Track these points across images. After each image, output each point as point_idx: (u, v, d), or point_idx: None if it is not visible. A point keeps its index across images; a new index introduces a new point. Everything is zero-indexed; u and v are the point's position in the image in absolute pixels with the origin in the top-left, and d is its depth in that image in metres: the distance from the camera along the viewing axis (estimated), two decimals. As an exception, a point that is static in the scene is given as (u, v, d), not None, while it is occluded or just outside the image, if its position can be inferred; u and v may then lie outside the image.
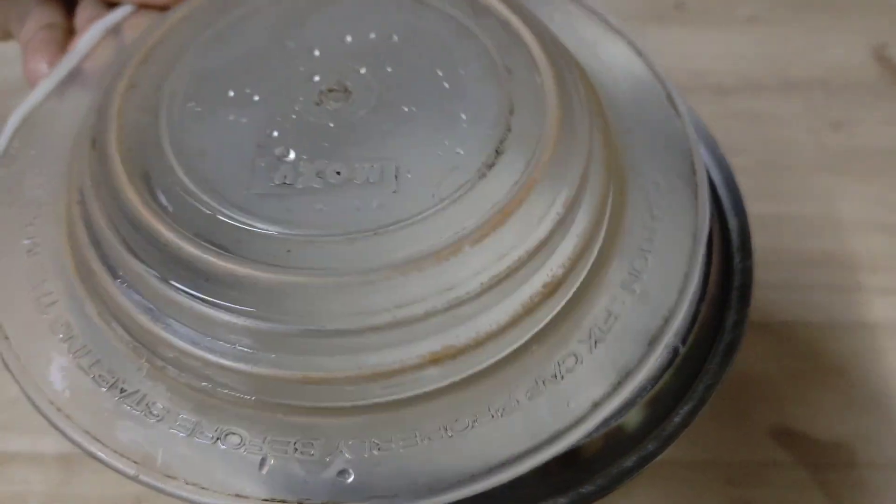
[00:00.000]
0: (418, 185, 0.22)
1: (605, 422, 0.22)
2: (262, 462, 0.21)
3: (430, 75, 0.24)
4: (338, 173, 0.22)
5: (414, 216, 0.21)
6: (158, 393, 0.22)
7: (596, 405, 0.22)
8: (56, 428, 0.22)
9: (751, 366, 0.36)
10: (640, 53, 0.28)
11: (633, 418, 0.25)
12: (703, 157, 0.28)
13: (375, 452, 0.21)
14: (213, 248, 0.20)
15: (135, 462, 0.21)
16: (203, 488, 0.21)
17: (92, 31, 0.28)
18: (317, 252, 0.21)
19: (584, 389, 0.22)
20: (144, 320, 0.21)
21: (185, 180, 0.22)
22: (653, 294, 0.23)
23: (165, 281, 0.21)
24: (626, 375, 0.22)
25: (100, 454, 0.21)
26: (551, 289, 0.22)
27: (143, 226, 0.21)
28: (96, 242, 0.22)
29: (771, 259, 0.40)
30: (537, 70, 0.24)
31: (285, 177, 0.22)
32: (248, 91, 0.24)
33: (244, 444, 0.21)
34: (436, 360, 0.21)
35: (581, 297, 0.23)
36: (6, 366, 0.23)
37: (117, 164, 0.22)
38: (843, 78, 0.47)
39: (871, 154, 0.44)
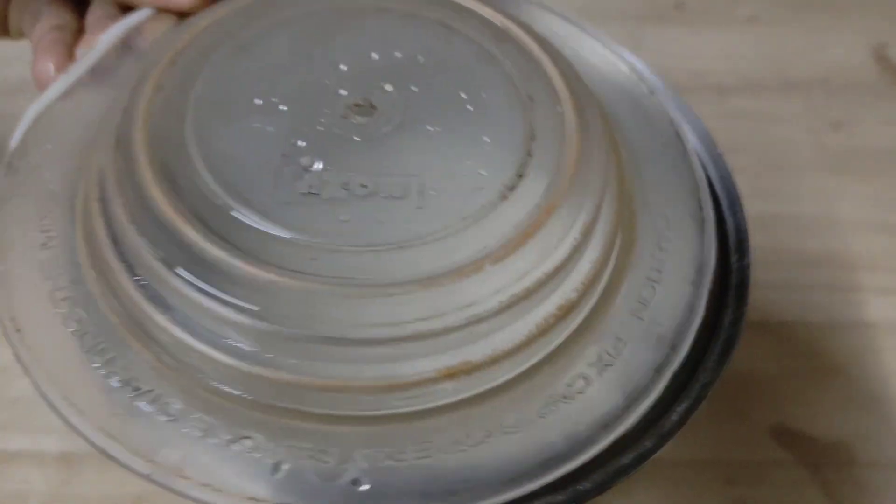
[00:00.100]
0: (442, 203, 0.22)
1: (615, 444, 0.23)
2: (277, 467, 0.21)
3: (453, 97, 0.24)
4: (363, 186, 0.22)
5: (437, 233, 0.21)
6: (173, 393, 0.22)
7: (605, 427, 0.22)
8: (68, 424, 0.22)
9: (750, 365, 0.36)
10: (651, 92, 0.29)
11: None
12: (700, 158, 0.28)
13: (389, 462, 0.21)
14: (239, 252, 0.21)
15: (149, 461, 0.21)
16: (216, 490, 0.21)
17: (110, 32, 0.28)
18: (342, 262, 0.21)
19: (594, 411, 0.22)
20: (161, 320, 0.21)
21: (211, 184, 0.22)
22: (660, 322, 0.24)
23: (188, 282, 0.21)
24: (635, 400, 0.23)
25: (113, 452, 0.21)
26: (565, 311, 0.22)
27: (167, 226, 0.21)
28: (115, 240, 0.22)
29: (770, 259, 0.40)
30: (558, 100, 0.24)
31: (311, 186, 0.22)
32: (274, 100, 0.24)
33: (258, 448, 0.21)
34: (451, 374, 0.21)
35: (592, 322, 0.23)
36: (18, 358, 0.23)
37: (143, 165, 0.22)
38: (843, 78, 0.48)
39: (871, 154, 0.44)
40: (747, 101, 0.47)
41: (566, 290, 0.23)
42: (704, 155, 0.29)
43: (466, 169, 0.23)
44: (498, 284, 0.21)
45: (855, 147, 0.45)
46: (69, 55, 0.29)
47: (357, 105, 0.24)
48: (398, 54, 0.25)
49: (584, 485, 0.22)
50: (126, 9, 0.29)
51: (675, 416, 0.24)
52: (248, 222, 0.21)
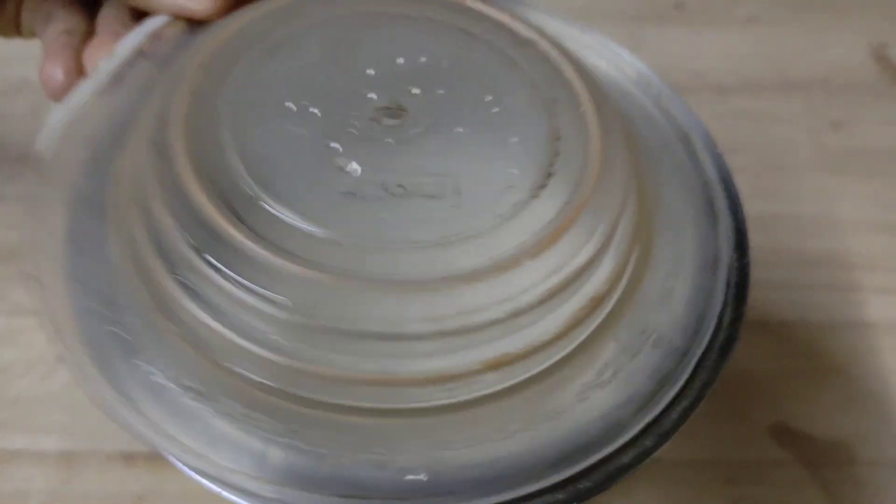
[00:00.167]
0: (476, 202, 0.23)
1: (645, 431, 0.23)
2: (329, 461, 0.22)
3: (479, 100, 0.25)
4: (400, 186, 0.23)
5: (474, 230, 0.22)
6: (219, 391, 0.22)
7: (639, 410, 0.23)
8: (132, 431, 0.22)
9: (750, 365, 0.36)
10: (660, 92, 0.30)
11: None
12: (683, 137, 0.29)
13: (437, 452, 0.22)
14: (286, 254, 0.21)
15: (204, 459, 0.21)
16: (279, 486, 0.21)
17: (129, 38, 0.28)
18: (386, 260, 0.21)
19: (626, 396, 0.23)
20: (210, 321, 0.22)
21: (253, 187, 0.22)
22: (682, 310, 0.25)
23: (234, 282, 0.21)
24: (663, 385, 0.23)
25: (167, 450, 0.22)
26: (596, 302, 0.23)
27: (213, 230, 0.22)
28: (156, 242, 0.23)
29: (770, 258, 0.40)
30: (579, 102, 0.25)
31: (349, 187, 0.23)
32: (305, 104, 0.24)
33: (310, 444, 0.22)
34: (494, 365, 0.22)
35: (620, 311, 0.24)
36: (63, 360, 0.23)
37: (184, 169, 0.22)
38: (842, 78, 0.48)
39: (871, 154, 0.44)
40: (747, 101, 0.47)
41: (597, 281, 0.24)
42: (705, 153, 0.29)
43: (497, 168, 0.24)
44: (535, 279, 0.22)
45: (855, 147, 0.45)
46: (78, 60, 0.29)
47: (387, 108, 0.25)
48: (423, 59, 0.26)
49: (584, 483, 0.23)
50: (136, 12, 0.30)
51: (674, 415, 0.24)
52: (293, 223, 0.22)
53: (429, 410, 0.22)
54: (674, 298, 0.25)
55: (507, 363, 0.22)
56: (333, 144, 0.24)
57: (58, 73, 0.28)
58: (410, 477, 0.21)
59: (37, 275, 0.24)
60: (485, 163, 0.24)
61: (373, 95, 0.25)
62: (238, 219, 0.22)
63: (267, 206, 0.22)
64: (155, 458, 0.34)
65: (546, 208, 0.23)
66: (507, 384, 0.23)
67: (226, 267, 0.21)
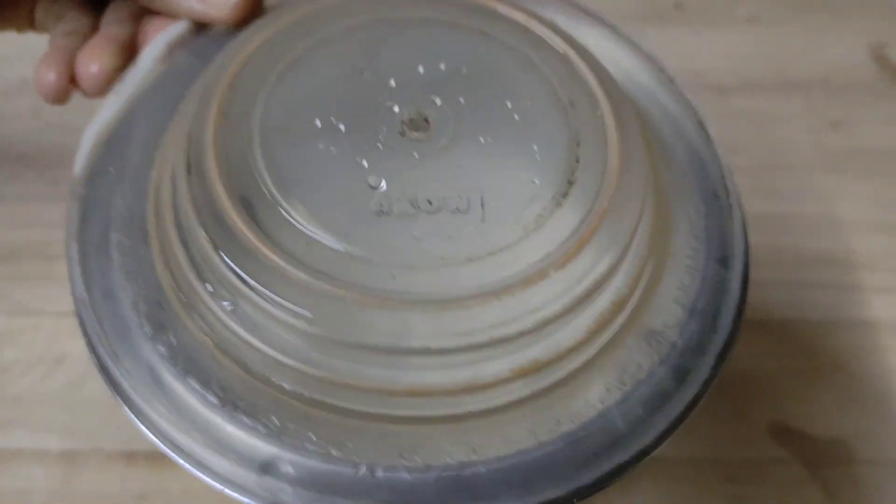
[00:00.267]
0: (502, 214, 0.23)
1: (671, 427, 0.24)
2: (372, 469, 0.22)
3: (500, 107, 0.26)
4: (429, 202, 0.23)
5: (501, 244, 0.23)
6: (267, 406, 0.23)
7: (661, 407, 0.23)
8: (170, 446, 0.23)
9: (750, 364, 0.37)
10: (671, 80, 0.30)
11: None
12: (694, 140, 0.29)
13: (473, 457, 0.22)
14: (323, 275, 0.22)
15: (254, 474, 0.22)
16: (319, 493, 0.22)
17: (152, 47, 0.28)
18: (419, 278, 0.22)
19: (650, 394, 0.24)
20: (250, 338, 0.23)
21: (286, 206, 0.23)
22: (699, 306, 0.25)
23: (274, 302, 0.22)
24: (684, 380, 0.24)
25: (218, 468, 0.22)
26: (618, 306, 0.24)
27: (249, 249, 0.22)
28: (195, 263, 0.23)
29: (770, 258, 0.40)
30: (597, 103, 0.25)
31: (381, 205, 0.23)
32: (333, 120, 0.25)
33: (354, 454, 0.22)
34: (524, 373, 0.23)
35: (640, 312, 0.25)
36: (113, 384, 0.23)
37: (220, 194, 0.23)
38: (842, 78, 0.48)
39: (870, 153, 0.45)
40: (747, 101, 0.47)
41: (618, 285, 0.24)
42: (704, 152, 0.30)
43: (521, 179, 0.24)
44: (562, 288, 0.23)
45: (854, 147, 0.45)
46: (70, 63, 0.29)
47: (412, 120, 0.25)
48: (442, 66, 0.26)
49: (584, 482, 0.23)
50: (139, 15, 0.30)
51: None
52: (324, 242, 0.22)
53: (461, 417, 0.23)
54: (690, 299, 0.25)
55: (535, 370, 0.23)
56: (360, 160, 0.24)
57: (49, 76, 0.29)
58: (443, 481, 0.22)
59: (83, 294, 0.24)
60: (508, 173, 0.24)
61: (396, 107, 0.25)
62: (277, 245, 0.22)
63: (298, 225, 0.23)
64: (156, 458, 0.34)
65: (569, 218, 0.23)
66: (534, 389, 0.23)
67: (267, 289, 0.22)
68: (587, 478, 0.23)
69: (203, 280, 0.23)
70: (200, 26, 0.29)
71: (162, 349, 0.23)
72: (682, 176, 0.28)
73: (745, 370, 0.37)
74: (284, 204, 0.23)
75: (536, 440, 0.23)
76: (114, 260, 0.25)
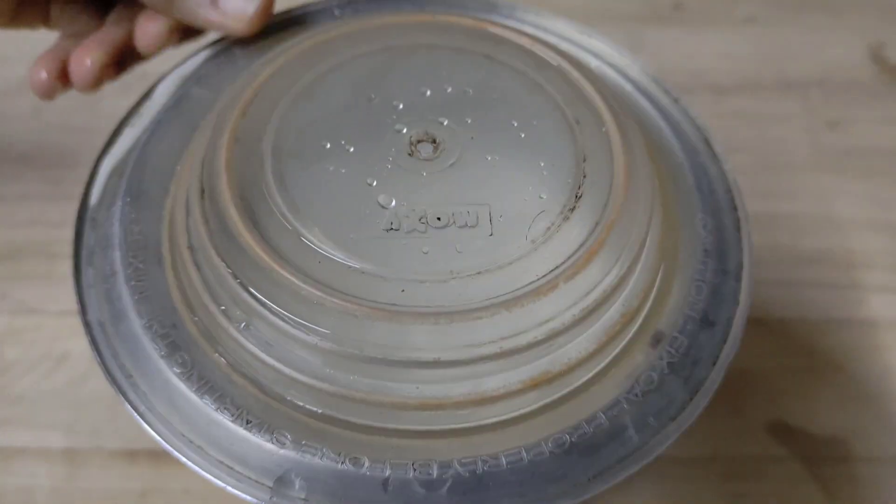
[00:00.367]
0: (511, 228, 0.24)
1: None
2: (386, 482, 0.22)
3: (506, 126, 0.26)
4: (438, 219, 0.24)
5: (511, 257, 0.23)
6: (282, 423, 0.23)
7: (674, 418, 0.24)
8: (185, 459, 0.23)
9: (748, 362, 0.37)
10: (676, 100, 0.31)
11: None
12: (703, 156, 0.29)
13: (486, 469, 0.23)
14: (335, 291, 0.22)
15: (270, 488, 0.22)
16: None
17: (168, 80, 0.30)
18: (429, 292, 0.23)
19: (662, 405, 0.24)
20: (264, 356, 0.23)
21: (297, 226, 0.23)
22: (710, 317, 0.26)
23: (287, 320, 0.23)
24: (697, 391, 0.24)
25: (235, 481, 0.23)
26: (628, 318, 0.24)
27: (262, 268, 0.23)
28: (209, 285, 0.24)
29: (768, 257, 0.40)
30: (602, 121, 0.26)
31: (391, 222, 0.24)
32: (343, 143, 0.25)
33: (368, 467, 0.23)
34: (535, 384, 0.23)
35: (650, 324, 0.25)
36: (130, 403, 0.24)
37: (233, 214, 0.23)
38: (840, 77, 0.48)
39: (868, 153, 0.45)
40: (745, 101, 0.47)
41: (628, 297, 0.25)
42: (704, 152, 0.30)
43: (528, 194, 0.25)
44: (571, 300, 0.23)
45: (852, 146, 0.45)
46: (65, 63, 0.30)
47: (420, 141, 0.26)
48: (448, 89, 0.27)
49: (597, 492, 0.23)
50: (133, 18, 0.30)
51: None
52: (336, 259, 0.23)
53: (473, 429, 0.23)
54: (699, 310, 0.26)
55: (547, 381, 0.23)
56: (370, 180, 0.25)
57: (42, 74, 0.30)
58: (457, 493, 0.22)
59: (100, 318, 0.25)
60: (516, 189, 0.25)
61: (404, 129, 0.26)
62: (291, 264, 0.23)
63: (310, 244, 0.23)
64: (158, 456, 0.34)
65: (577, 231, 0.24)
66: (546, 400, 0.24)
67: (281, 308, 0.23)
68: (600, 488, 0.23)
69: (216, 300, 0.24)
70: (217, 55, 0.30)
71: (177, 369, 0.24)
72: (690, 190, 0.28)
73: (744, 369, 0.37)
74: (296, 224, 0.24)
75: (549, 451, 0.23)
76: (128, 283, 0.25)
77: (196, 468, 0.23)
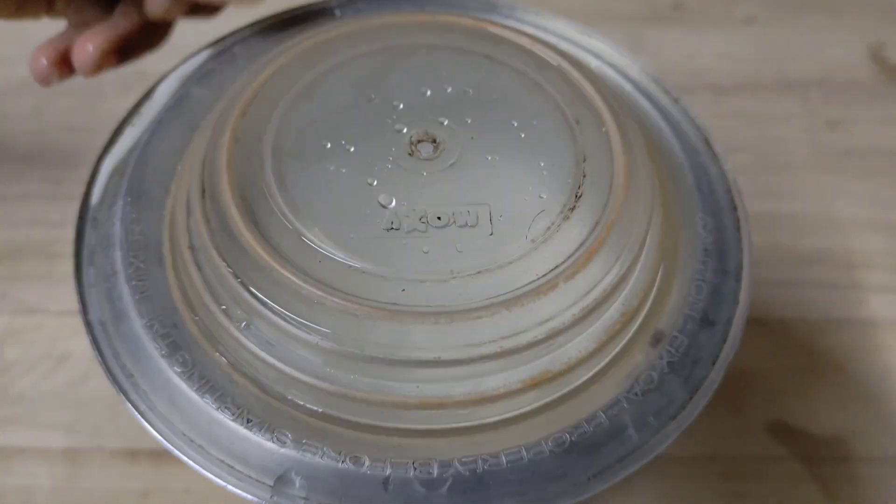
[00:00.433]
0: (511, 228, 0.24)
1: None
2: (386, 481, 0.23)
3: (506, 126, 0.26)
4: (438, 218, 0.24)
5: (511, 256, 0.23)
6: (282, 422, 0.23)
7: (674, 418, 0.24)
8: (186, 458, 0.23)
9: (748, 362, 0.37)
10: (676, 100, 0.31)
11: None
12: (703, 156, 0.29)
13: (486, 468, 0.23)
14: (335, 291, 0.22)
15: (270, 485, 0.23)
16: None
17: (169, 80, 0.30)
18: (430, 291, 0.23)
19: (661, 405, 0.24)
20: (264, 356, 0.23)
21: (299, 227, 0.24)
22: (710, 317, 0.26)
23: (288, 320, 0.23)
24: (696, 391, 0.24)
25: (236, 480, 0.23)
26: (628, 317, 0.25)
27: (262, 268, 0.23)
28: (209, 284, 0.24)
29: (768, 256, 0.40)
30: (602, 121, 0.26)
31: (391, 222, 0.24)
32: (343, 143, 0.26)
33: (368, 466, 0.23)
34: (535, 384, 0.23)
35: (650, 323, 0.25)
36: (131, 402, 0.24)
37: (233, 213, 0.24)
38: (839, 77, 0.48)
39: (868, 153, 0.45)
40: (745, 101, 0.47)
41: (628, 297, 0.25)
42: (703, 152, 0.30)
43: (528, 194, 0.25)
44: (571, 299, 0.23)
45: (852, 146, 0.45)
46: (66, 51, 0.30)
47: (420, 141, 0.26)
48: (449, 89, 0.27)
49: (597, 491, 0.23)
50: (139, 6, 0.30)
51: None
52: (340, 261, 0.23)
53: (473, 428, 0.23)
54: (699, 309, 0.26)
55: (547, 381, 0.23)
56: (371, 180, 0.25)
57: (41, 61, 0.30)
58: (457, 492, 0.22)
59: (101, 318, 0.25)
60: (516, 189, 0.25)
61: (404, 129, 0.26)
62: (291, 263, 0.23)
63: (310, 243, 0.23)
64: (158, 455, 0.34)
65: (577, 230, 0.24)
66: (546, 399, 0.24)
67: (281, 307, 0.23)
68: (600, 487, 0.23)
69: (217, 300, 0.24)
70: (218, 55, 0.30)
71: (178, 368, 0.24)
72: (690, 190, 0.28)
73: (744, 369, 0.37)
74: (296, 223, 0.24)
75: (549, 450, 0.23)
76: (129, 283, 0.25)
77: (197, 467, 0.23)
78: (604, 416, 0.24)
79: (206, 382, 0.24)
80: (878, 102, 0.47)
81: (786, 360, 0.38)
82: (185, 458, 0.23)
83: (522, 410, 0.24)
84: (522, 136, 0.26)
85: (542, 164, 0.25)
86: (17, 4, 0.30)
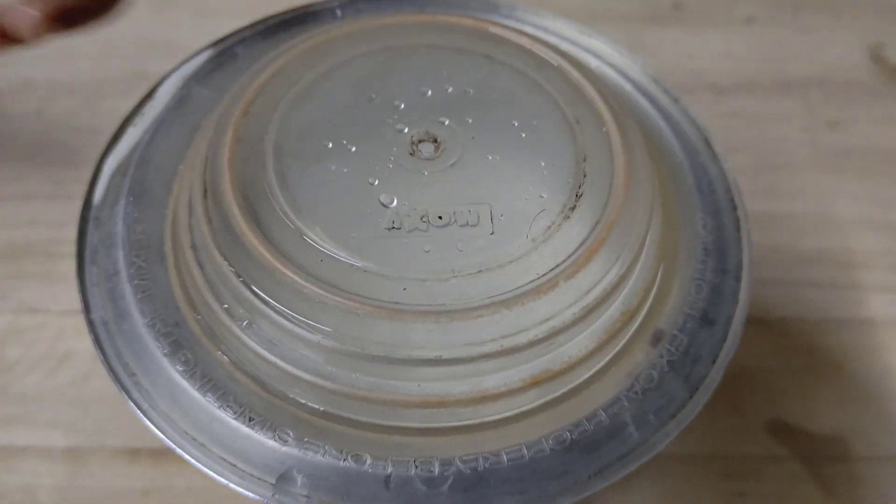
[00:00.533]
0: (512, 227, 0.24)
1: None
2: (388, 480, 0.23)
3: (507, 126, 0.26)
4: (439, 218, 0.24)
5: (512, 256, 0.24)
6: (284, 421, 0.23)
7: (674, 416, 0.24)
8: (188, 456, 0.23)
9: (748, 361, 0.37)
10: (676, 100, 0.31)
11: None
12: (703, 156, 0.30)
13: (487, 466, 0.23)
14: (337, 290, 0.22)
15: (273, 485, 0.23)
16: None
17: (170, 79, 0.30)
18: (431, 290, 0.23)
19: (661, 403, 0.24)
20: (266, 354, 0.23)
21: (300, 226, 0.24)
22: (710, 316, 0.26)
23: (289, 319, 0.23)
24: (697, 390, 0.25)
25: (237, 479, 0.23)
26: (628, 316, 0.25)
27: (264, 267, 0.23)
28: (211, 283, 0.24)
29: (768, 256, 0.41)
30: (602, 121, 0.26)
31: (393, 222, 0.24)
32: (344, 142, 0.26)
33: (370, 465, 0.23)
34: (535, 383, 0.23)
35: (650, 322, 0.26)
36: (134, 401, 0.24)
37: (235, 213, 0.24)
38: (839, 77, 0.48)
39: (867, 153, 0.45)
40: (745, 101, 0.47)
41: (628, 296, 0.25)
42: (703, 152, 0.30)
43: (529, 193, 0.25)
44: (572, 298, 0.23)
45: (852, 146, 0.45)
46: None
47: (421, 141, 0.26)
48: (449, 89, 0.27)
49: (598, 490, 0.23)
50: None
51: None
52: (342, 260, 0.23)
53: (474, 427, 0.23)
54: (699, 308, 0.26)
55: (547, 379, 0.23)
56: (372, 179, 0.25)
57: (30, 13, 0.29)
58: (458, 490, 0.22)
59: (103, 317, 0.25)
60: (517, 188, 0.25)
61: (405, 128, 0.26)
62: (293, 263, 0.23)
63: (312, 242, 0.23)
64: (160, 454, 0.34)
65: (578, 229, 0.24)
66: (547, 398, 0.24)
67: (283, 306, 0.23)
68: (600, 485, 0.23)
69: (219, 298, 0.24)
70: (219, 55, 0.30)
71: (180, 367, 0.24)
72: (690, 190, 0.28)
73: (744, 368, 0.37)
74: (298, 223, 0.24)
75: (549, 449, 0.23)
76: (131, 282, 0.26)
77: (199, 465, 0.23)
78: (604, 414, 0.24)
79: (208, 381, 0.24)
80: (877, 102, 0.47)
81: (785, 360, 0.38)
82: (187, 457, 0.23)
83: (523, 409, 0.24)
84: (523, 135, 0.26)
85: (543, 164, 0.26)
86: None
